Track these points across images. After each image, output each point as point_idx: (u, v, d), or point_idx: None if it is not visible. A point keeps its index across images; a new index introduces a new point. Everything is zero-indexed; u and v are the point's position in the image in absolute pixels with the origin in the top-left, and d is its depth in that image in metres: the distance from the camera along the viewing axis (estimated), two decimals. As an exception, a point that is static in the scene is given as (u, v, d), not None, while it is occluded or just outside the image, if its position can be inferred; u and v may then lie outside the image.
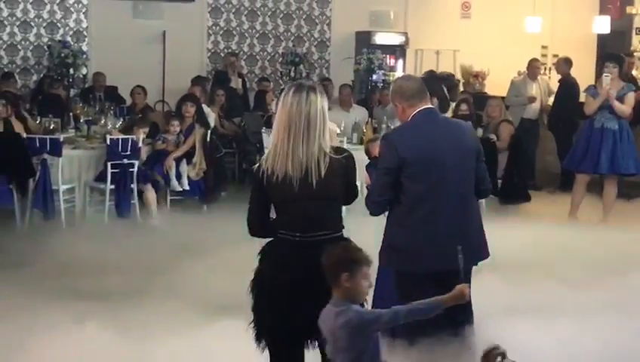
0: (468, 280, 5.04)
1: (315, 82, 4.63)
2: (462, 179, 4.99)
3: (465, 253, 4.81)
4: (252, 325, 4.29)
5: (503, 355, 3.68)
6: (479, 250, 5.08)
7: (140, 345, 5.64)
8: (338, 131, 4.54)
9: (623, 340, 5.50)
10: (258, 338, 4.28)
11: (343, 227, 4.30)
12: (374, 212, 5.05)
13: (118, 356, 5.50)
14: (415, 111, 5.02)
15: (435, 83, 5.49)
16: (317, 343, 4.22)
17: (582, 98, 11.59)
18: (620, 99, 10.11)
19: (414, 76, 5.62)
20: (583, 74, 13.91)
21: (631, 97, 10.17)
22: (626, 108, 10.11)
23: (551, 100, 13.55)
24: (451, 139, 5.00)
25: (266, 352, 4.32)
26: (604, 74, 10.10)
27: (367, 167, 5.79)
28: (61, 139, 9.90)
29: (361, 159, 9.88)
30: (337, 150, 4.27)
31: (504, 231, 8.88)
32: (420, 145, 4.91)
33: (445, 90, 5.55)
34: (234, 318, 5.83)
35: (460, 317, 4.89)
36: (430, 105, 5.11)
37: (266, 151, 4.36)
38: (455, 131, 5.10)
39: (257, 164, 4.32)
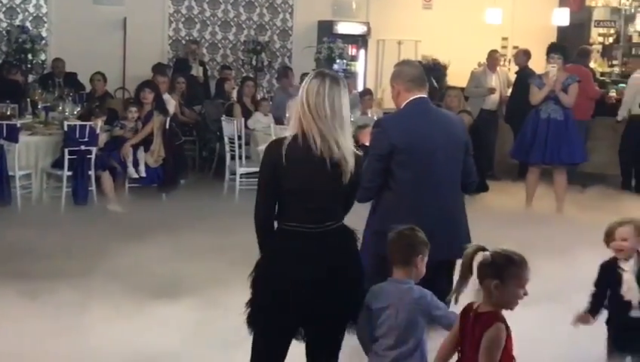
0: (451, 273, 5.11)
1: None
2: (450, 169, 5.03)
3: (449, 245, 4.87)
4: (248, 311, 4.15)
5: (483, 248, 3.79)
6: (466, 243, 5.10)
7: (75, 322, 5.79)
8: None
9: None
10: (254, 323, 4.14)
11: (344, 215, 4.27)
12: (363, 198, 5.04)
13: (53, 331, 5.62)
14: (410, 98, 5.06)
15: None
16: (306, 329, 4.19)
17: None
18: (565, 89, 10.26)
19: (417, 63, 5.64)
20: (543, 65, 13.95)
21: (574, 88, 10.34)
22: (570, 98, 10.29)
23: (509, 91, 13.66)
24: (442, 130, 5.04)
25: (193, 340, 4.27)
26: (551, 65, 10.26)
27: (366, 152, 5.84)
28: (18, 125, 9.83)
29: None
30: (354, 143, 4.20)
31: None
32: (411, 132, 4.96)
33: (434, 80, 5.58)
34: (169, 303, 6.13)
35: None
36: (424, 95, 5.15)
37: (285, 135, 4.14)
38: (446, 122, 5.14)
39: (268, 150, 4.12)
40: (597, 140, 13.17)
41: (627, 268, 5.00)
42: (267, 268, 4.10)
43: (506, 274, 3.69)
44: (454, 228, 5.04)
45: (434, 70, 5.51)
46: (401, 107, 5.11)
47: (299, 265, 4.01)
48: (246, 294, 4.15)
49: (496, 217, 9.81)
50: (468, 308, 3.82)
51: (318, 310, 4.04)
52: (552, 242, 8.34)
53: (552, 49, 10.51)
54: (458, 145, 5.09)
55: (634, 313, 4.99)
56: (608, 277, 5.06)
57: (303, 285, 3.99)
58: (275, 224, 4.15)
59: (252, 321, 4.14)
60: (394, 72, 5.21)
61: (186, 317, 6.01)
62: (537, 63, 13.60)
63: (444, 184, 5.00)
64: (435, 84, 5.52)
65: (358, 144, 5.88)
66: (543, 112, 10.34)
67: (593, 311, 5.11)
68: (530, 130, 10.47)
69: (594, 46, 16.33)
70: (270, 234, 4.12)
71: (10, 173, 9.65)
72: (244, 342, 4.33)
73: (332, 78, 4.06)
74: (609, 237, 5.03)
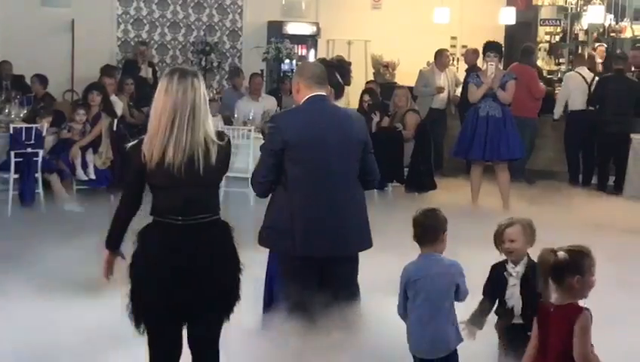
0: (352, 271, 5.18)
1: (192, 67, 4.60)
2: (343, 167, 5.08)
3: (341, 241, 4.96)
4: (129, 307, 4.32)
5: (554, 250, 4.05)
6: (360, 240, 5.17)
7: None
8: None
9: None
10: (137, 319, 4.32)
11: (219, 209, 4.38)
12: (259, 193, 5.18)
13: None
14: (308, 95, 5.12)
15: (328, 71, 5.57)
16: (190, 321, 4.35)
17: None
18: (502, 86, 10.43)
19: (319, 63, 5.72)
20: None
21: (512, 85, 10.51)
22: (508, 95, 10.49)
23: (458, 91, 13.78)
24: (336, 128, 5.10)
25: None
26: (489, 63, 10.42)
27: (261, 147, 5.86)
28: (-38, 129, 9.77)
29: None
30: (219, 136, 4.31)
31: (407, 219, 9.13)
32: (303, 128, 5.02)
33: (338, 76, 5.62)
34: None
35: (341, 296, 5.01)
36: (323, 93, 5.20)
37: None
38: (341, 120, 5.18)
39: (131, 146, 4.35)
40: (544, 138, 13.36)
41: (514, 273, 4.89)
42: (139, 256, 4.31)
43: (584, 267, 4.01)
44: (348, 224, 5.09)
45: (338, 67, 5.57)
46: (300, 103, 5.17)
47: (169, 254, 4.21)
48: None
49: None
50: (544, 307, 4.06)
51: (186, 297, 4.22)
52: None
53: (488, 47, 10.66)
54: (353, 143, 5.13)
55: (516, 320, 4.90)
56: (496, 280, 4.97)
57: (169, 272, 4.19)
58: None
59: (135, 307, 4.33)
60: (296, 70, 5.38)
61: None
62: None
63: (335, 179, 5.05)
64: (340, 80, 5.57)
65: (264, 138, 5.95)
66: (481, 110, 10.50)
67: (476, 319, 4.98)
68: (470, 128, 10.62)
69: (541, 44, 16.58)
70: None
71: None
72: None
73: (192, 75, 4.25)
74: (498, 239, 4.94)
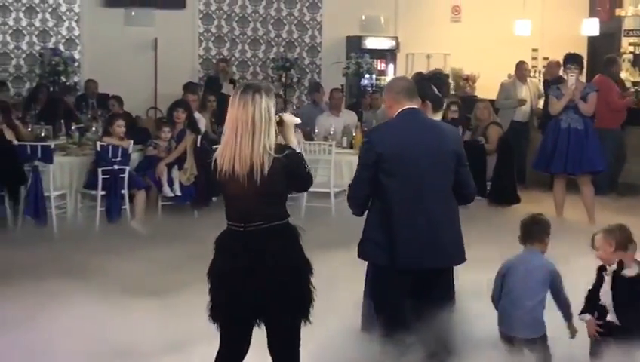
0: (448, 283, 5.17)
1: (265, 83, 4.73)
2: (438, 179, 5.07)
3: (438, 254, 4.96)
4: (209, 306, 4.61)
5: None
6: (454, 253, 5.16)
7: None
8: (298, 121, 4.74)
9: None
10: (213, 317, 4.60)
11: (288, 215, 4.55)
12: (356, 208, 5.21)
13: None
14: (400, 109, 5.13)
15: (424, 84, 5.59)
16: (262, 321, 4.57)
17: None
18: (584, 98, 10.27)
19: (407, 77, 5.76)
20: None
21: (593, 97, 10.34)
22: (589, 107, 10.32)
23: (541, 103, 13.62)
24: (429, 140, 5.09)
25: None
26: (569, 74, 10.28)
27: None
28: (52, 146, 9.98)
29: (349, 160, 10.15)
30: (279, 149, 4.44)
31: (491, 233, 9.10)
32: (396, 142, 5.03)
33: (435, 89, 5.63)
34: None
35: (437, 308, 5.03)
36: (415, 106, 5.21)
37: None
38: (435, 133, 5.18)
39: (213, 159, 4.57)
40: (632, 149, 13.11)
41: (609, 273, 5.21)
42: (213, 260, 4.61)
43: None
44: (443, 237, 5.08)
45: (433, 79, 5.56)
46: (393, 117, 5.19)
47: (232, 259, 4.47)
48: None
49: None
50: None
51: (253, 298, 4.46)
52: (581, 250, 8.25)
53: (568, 59, 10.52)
54: (447, 156, 5.11)
55: (609, 316, 5.19)
56: (598, 280, 5.32)
57: (233, 275, 4.45)
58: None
59: (211, 306, 4.61)
60: (386, 86, 5.42)
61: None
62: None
63: (431, 192, 5.03)
64: (437, 92, 5.55)
65: None
66: (563, 122, 10.35)
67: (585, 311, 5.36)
68: (551, 140, 10.47)
69: (625, 55, 16.23)
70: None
71: (46, 194, 9.79)
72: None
73: (255, 90, 4.42)
74: (594, 245, 5.32)
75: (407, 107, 5.15)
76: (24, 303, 6.80)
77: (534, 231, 5.36)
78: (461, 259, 5.19)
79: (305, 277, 4.51)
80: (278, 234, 4.47)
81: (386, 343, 4.98)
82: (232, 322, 4.56)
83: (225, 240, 4.55)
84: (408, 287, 5.03)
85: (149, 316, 6.53)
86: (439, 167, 5.07)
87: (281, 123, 4.59)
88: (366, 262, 5.32)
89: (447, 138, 5.21)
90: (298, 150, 4.55)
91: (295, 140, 4.61)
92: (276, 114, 4.52)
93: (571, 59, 10.52)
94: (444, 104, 5.75)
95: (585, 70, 15.45)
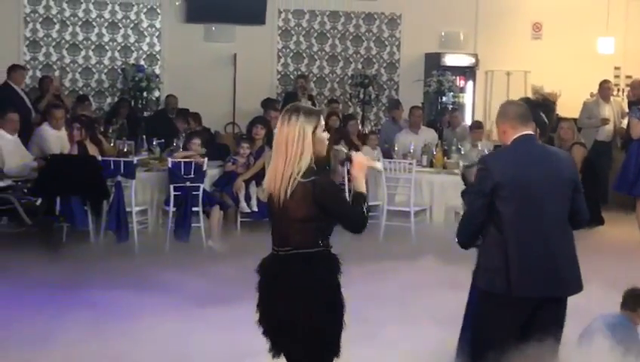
0: (562, 314, 5.06)
1: (306, 105, 4.63)
2: (556, 205, 4.97)
3: (556, 282, 4.89)
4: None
5: None
6: (574, 281, 5.05)
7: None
8: (378, 167, 4.73)
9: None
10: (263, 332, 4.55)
11: (323, 246, 4.38)
12: (466, 239, 5.08)
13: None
14: (516, 136, 5.07)
15: (534, 111, 5.51)
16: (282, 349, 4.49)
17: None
18: None
19: (519, 102, 5.68)
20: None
21: None
22: None
23: (625, 122, 13.36)
24: (547, 166, 5.01)
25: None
26: None
27: (463, 193, 5.82)
28: (135, 162, 10.08)
29: (444, 181, 10.04)
30: (307, 173, 4.32)
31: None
32: (514, 168, 4.95)
33: (543, 115, 5.55)
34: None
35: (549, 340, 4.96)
36: (530, 132, 5.15)
37: None
38: (552, 159, 5.10)
39: None
40: None
41: None
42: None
43: None
44: (561, 264, 4.96)
45: (542, 105, 5.47)
46: (508, 143, 5.09)
47: (265, 280, 4.46)
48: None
49: (611, 251, 9.63)
50: None
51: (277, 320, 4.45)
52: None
53: None
54: (564, 182, 5.02)
55: None
56: None
57: (265, 296, 4.47)
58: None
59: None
60: (499, 112, 5.26)
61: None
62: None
63: (549, 219, 4.94)
64: (545, 119, 5.46)
65: (465, 183, 5.89)
66: None
67: None
68: (635, 163, 10.25)
69: None
70: None
71: (127, 209, 9.88)
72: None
73: (292, 111, 4.38)
74: None
75: (523, 133, 5.08)
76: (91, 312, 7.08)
77: (632, 301, 5.71)
78: (579, 287, 5.08)
79: (322, 307, 4.34)
80: (304, 262, 4.34)
81: None
82: (271, 342, 4.51)
83: (263, 262, 4.49)
84: (523, 318, 4.94)
85: (214, 327, 6.69)
86: (557, 193, 4.98)
87: (349, 160, 4.52)
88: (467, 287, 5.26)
89: (564, 164, 5.13)
90: (364, 193, 4.44)
91: (363, 184, 4.47)
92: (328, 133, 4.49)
93: None
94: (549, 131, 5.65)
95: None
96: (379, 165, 4.89)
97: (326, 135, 4.46)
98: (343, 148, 4.67)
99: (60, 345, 6.33)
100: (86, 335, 6.50)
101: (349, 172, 4.56)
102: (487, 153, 5.49)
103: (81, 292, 7.76)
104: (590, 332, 5.45)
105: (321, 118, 4.43)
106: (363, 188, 4.46)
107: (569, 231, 5.06)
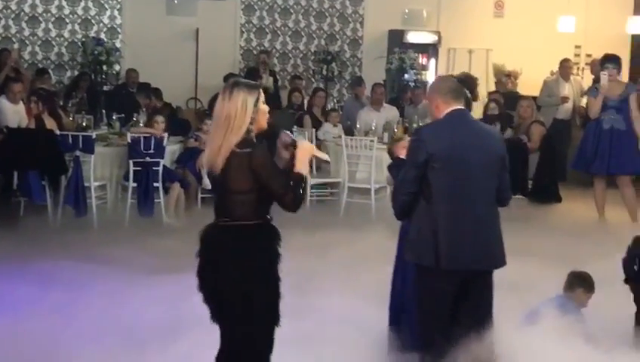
0: (490, 286, 5.13)
1: (243, 80, 4.67)
2: (486, 181, 5.03)
3: (484, 256, 4.96)
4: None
5: None
6: (499, 256, 5.11)
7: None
8: (323, 157, 4.84)
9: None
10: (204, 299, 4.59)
11: (262, 218, 4.44)
12: (400, 208, 5.10)
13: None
14: (448, 110, 5.09)
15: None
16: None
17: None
18: (625, 99, 10.20)
19: (451, 77, 5.70)
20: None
21: (632, 98, 10.26)
22: (633, 109, 10.22)
23: (584, 101, 13.46)
24: (479, 141, 5.06)
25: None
26: (602, 73, 10.19)
27: (390, 167, 5.82)
28: (94, 137, 9.99)
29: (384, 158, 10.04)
30: (243, 143, 4.36)
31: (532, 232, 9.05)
32: (447, 141, 4.98)
33: (467, 91, 5.56)
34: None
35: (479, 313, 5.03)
36: (462, 107, 5.17)
37: None
38: (484, 134, 5.16)
39: None
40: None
41: None
42: None
43: None
44: (489, 239, 5.04)
45: (466, 82, 5.48)
46: (441, 117, 5.12)
47: (201, 249, 4.52)
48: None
49: (569, 228, 9.76)
50: None
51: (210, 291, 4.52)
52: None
53: (606, 60, 10.45)
54: (495, 158, 5.09)
55: None
56: None
57: (201, 266, 4.51)
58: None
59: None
60: (431, 87, 5.34)
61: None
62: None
63: (479, 194, 4.99)
64: (469, 95, 5.48)
65: (391, 157, 5.93)
66: (605, 123, 10.24)
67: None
68: (592, 141, 10.36)
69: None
70: None
71: (86, 184, 9.82)
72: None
73: (233, 85, 4.45)
74: None
75: (455, 108, 5.10)
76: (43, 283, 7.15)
77: (578, 279, 5.78)
78: (504, 261, 5.14)
79: (256, 278, 4.38)
80: (242, 233, 4.40)
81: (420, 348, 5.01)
82: (211, 314, 4.55)
83: (203, 232, 4.53)
84: (452, 292, 4.98)
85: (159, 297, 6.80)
86: (487, 169, 5.03)
87: (294, 147, 4.55)
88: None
89: (495, 141, 5.20)
90: (306, 178, 4.49)
91: (303, 168, 4.48)
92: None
93: (608, 59, 10.44)
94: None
95: (628, 69, 15.37)
96: (326, 156, 4.94)
97: (266, 107, 4.53)
98: (289, 133, 4.67)
99: (9, 311, 6.48)
100: (33, 303, 6.62)
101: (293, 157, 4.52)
102: (421, 126, 5.56)
103: (32, 262, 7.77)
104: (536, 313, 5.50)
105: (261, 92, 4.51)
106: (302, 171, 4.47)
107: (496, 206, 5.11)
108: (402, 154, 5.62)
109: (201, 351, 4.99)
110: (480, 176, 4.99)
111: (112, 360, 5.63)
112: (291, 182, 4.41)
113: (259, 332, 4.44)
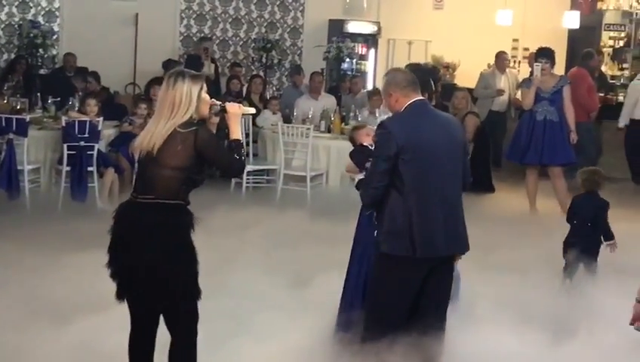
0: (450, 269, 5.24)
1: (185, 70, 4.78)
2: (453, 168, 5.12)
3: (455, 240, 5.09)
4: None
5: None
6: (466, 240, 5.21)
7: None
8: (250, 111, 5.02)
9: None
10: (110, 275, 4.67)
11: (183, 199, 4.57)
12: (371, 200, 5.15)
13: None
14: (408, 102, 5.15)
15: (426, 78, 5.59)
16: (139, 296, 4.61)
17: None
18: (558, 91, 10.36)
19: (405, 69, 5.79)
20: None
21: (566, 90, 10.42)
22: (567, 101, 10.39)
23: (519, 94, 13.64)
24: (443, 130, 5.15)
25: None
26: (535, 65, 10.38)
27: (352, 153, 5.88)
28: (28, 120, 9.89)
29: (341, 147, 10.07)
30: (187, 124, 4.52)
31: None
32: (415, 133, 5.04)
33: (432, 82, 5.64)
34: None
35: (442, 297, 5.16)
36: (422, 97, 5.25)
37: None
38: (446, 123, 5.26)
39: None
40: (605, 143, 13.19)
41: None
42: None
43: None
44: (457, 224, 5.14)
45: (432, 73, 5.55)
46: (402, 110, 5.18)
47: (116, 226, 4.61)
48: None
49: (500, 218, 9.89)
50: None
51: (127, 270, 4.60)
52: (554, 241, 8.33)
53: (539, 54, 10.61)
54: (458, 144, 5.20)
55: None
56: None
57: (114, 243, 4.61)
58: None
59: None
60: (387, 81, 5.30)
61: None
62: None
63: (448, 181, 5.08)
64: (433, 86, 5.57)
65: (353, 144, 6.00)
66: (539, 114, 10.39)
67: None
68: (526, 132, 10.51)
69: (604, 49, 16.31)
70: None
71: (19, 167, 9.72)
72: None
73: (177, 75, 4.57)
74: None
75: (415, 99, 5.18)
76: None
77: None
78: (468, 246, 5.25)
79: (170, 256, 4.47)
80: (161, 211, 4.50)
81: (372, 343, 5.03)
82: (117, 290, 4.63)
83: (119, 208, 4.61)
84: (421, 279, 5.07)
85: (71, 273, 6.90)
86: (453, 156, 5.12)
87: (224, 111, 4.70)
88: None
89: (457, 129, 5.32)
90: (241, 141, 4.66)
91: (238, 131, 4.69)
92: (223, 102, 4.76)
93: (542, 53, 10.61)
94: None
95: (564, 63, 15.63)
96: (251, 110, 5.07)
97: (208, 97, 4.67)
98: (217, 101, 4.78)
99: None
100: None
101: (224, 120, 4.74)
102: (385, 118, 5.56)
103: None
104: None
105: (204, 82, 4.65)
106: (238, 135, 4.68)
107: (461, 191, 5.23)
108: (365, 141, 5.78)
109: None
110: (447, 164, 5.07)
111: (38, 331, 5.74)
112: (233, 150, 4.61)
113: (181, 307, 4.55)
